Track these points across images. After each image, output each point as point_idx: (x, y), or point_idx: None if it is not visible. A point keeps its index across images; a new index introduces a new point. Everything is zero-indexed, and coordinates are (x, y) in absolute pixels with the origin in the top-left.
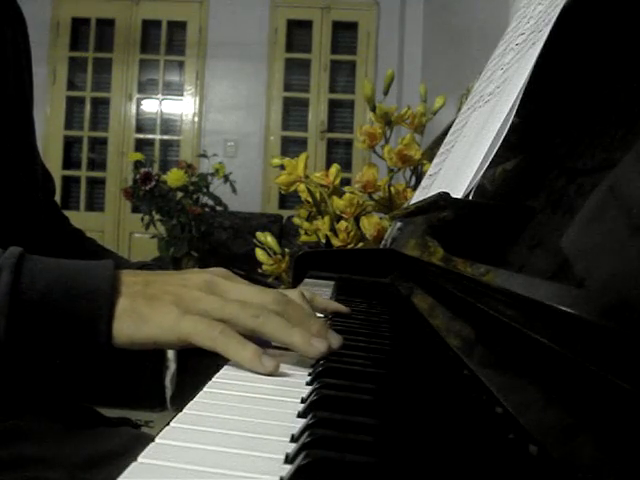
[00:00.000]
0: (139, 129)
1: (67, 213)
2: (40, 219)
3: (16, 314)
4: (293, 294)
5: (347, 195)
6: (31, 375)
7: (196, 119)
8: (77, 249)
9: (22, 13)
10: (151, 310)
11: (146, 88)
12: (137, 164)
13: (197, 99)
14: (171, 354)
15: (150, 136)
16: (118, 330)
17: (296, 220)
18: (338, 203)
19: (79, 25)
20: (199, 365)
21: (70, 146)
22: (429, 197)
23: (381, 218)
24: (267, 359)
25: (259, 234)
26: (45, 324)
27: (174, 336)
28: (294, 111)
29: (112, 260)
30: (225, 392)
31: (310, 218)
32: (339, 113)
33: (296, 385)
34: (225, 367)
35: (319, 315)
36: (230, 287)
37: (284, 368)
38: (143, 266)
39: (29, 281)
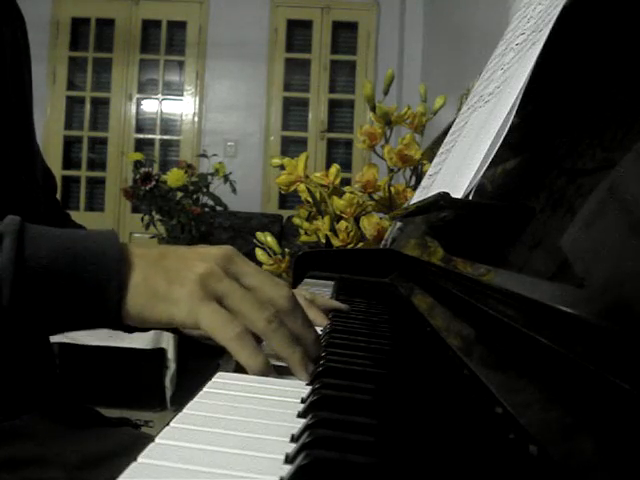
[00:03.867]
0: (139, 129)
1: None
2: (40, 219)
3: (21, 282)
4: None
5: (347, 195)
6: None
7: (196, 119)
8: None
9: (21, 12)
10: (169, 287)
11: (146, 88)
12: (137, 164)
13: (197, 99)
14: (171, 354)
15: (150, 136)
16: (130, 305)
17: (296, 220)
18: (338, 203)
19: (79, 25)
20: (199, 365)
21: (70, 146)
22: (429, 197)
23: (381, 218)
24: (273, 372)
25: (259, 234)
26: (51, 292)
27: (192, 320)
28: (294, 111)
29: (114, 230)
30: (225, 392)
31: (310, 218)
32: (339, 113)
33: (296, 385)
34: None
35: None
36: (246, 270)
37: (285, 369)
38: None
39: (33, 247)
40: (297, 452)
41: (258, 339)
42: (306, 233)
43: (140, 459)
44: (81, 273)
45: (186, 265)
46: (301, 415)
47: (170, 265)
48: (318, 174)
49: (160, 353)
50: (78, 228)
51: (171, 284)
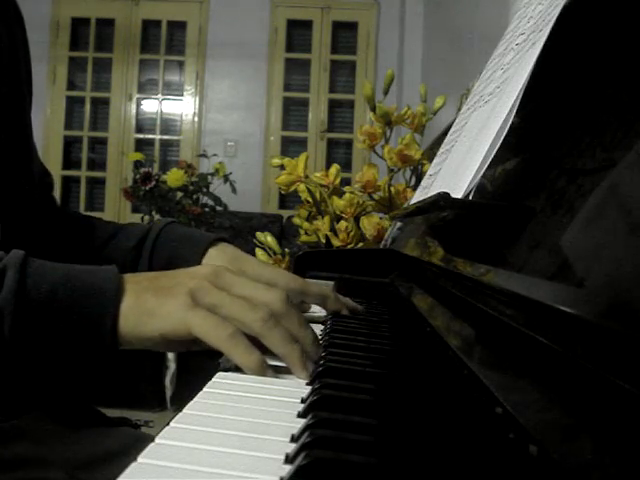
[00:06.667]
0: (139, 129)
1: None
2: (36, 217)
3: (22, 313)
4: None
5: (347, 195)
6: (35, 375)
7: (196, 119)
8: (80, 235)
9: (20, 10)
10: (158, 303)
11: (146, 88)
12: (137, 164)
13: (197, 99)
14: (171, 354)
15: (150, 136)
16: (123, 328)
17: (296, 220)
18: (338, 203)
19: (79, 25)
20: (199, 365)
21: (70, 146)
22: (429, 197)
23: (381, 218)
24: (270, 371)
25: (259, 234)
26: (50, 323)
27: (183, 328)
28: (294, 111)
29: (115, 266)
30: (225, 392)
31: (310, 218)
32: (339, 113)
33: (296, 385)
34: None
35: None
36: (236, 281)
37: (284, 369)
38: (168, 222)
39: (35, 281)
40: (297, 452)
41: (258, 346)
42: (306, 233)
43: (140, 459)
44: (79, 307)
45: (175, 282)
46: (301, 415)
47: (160, 284)
48: (318, 174)
49: (160, 353)
50: (75, 217)
51: (161, 300)
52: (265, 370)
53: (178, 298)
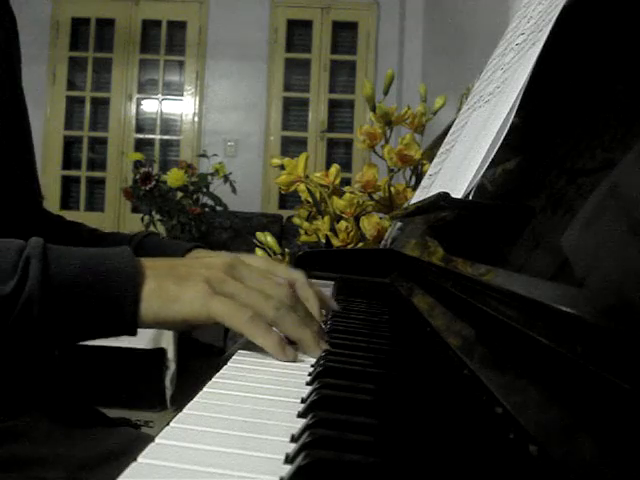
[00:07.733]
0: (139, 129)
1: (67, 213)
2: (35, 216)
3: (48, 299)
4: (298, 275)
5: (347, 195)
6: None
7: (196, 119)
8: (68, 236)
9: (13, 13)
10: (181, 289)
11: (146, 88)
12: (137, 164)
13: (197, 99)
14: (171, 354)
15: (150, 136)
16: (146, 310)
17: (296, 220)
18: (338, 203)
19: (79, 25)
20: (199, 365)
21: (70, 146)
22: (429, 197)
23: (381, 218)
24: (289, 348)
25: (259, 234)
26: (74, 308)
27: (205, 313)
28: (294, 111)
29: (128, 247)
30: (225, 392)
31: (310, 218)
32: (339, 113)
33: (296, 385)
34: (225, 367)
35: None
36: (249, 274)
37: (285, 368)
38: (148, 234)
39: (58, 268)
40: (297, 452)
41: None
42: (306, 233)
43: (140, 459)
44: (100, 290)
45: (194, 272)
46: (301, 415)
47: (179, 273)
48: (318, 174)
49: (160, 353)
50: (59, 222)
51: (182, 287)
52: (284, 348)
53: (198, 285)
